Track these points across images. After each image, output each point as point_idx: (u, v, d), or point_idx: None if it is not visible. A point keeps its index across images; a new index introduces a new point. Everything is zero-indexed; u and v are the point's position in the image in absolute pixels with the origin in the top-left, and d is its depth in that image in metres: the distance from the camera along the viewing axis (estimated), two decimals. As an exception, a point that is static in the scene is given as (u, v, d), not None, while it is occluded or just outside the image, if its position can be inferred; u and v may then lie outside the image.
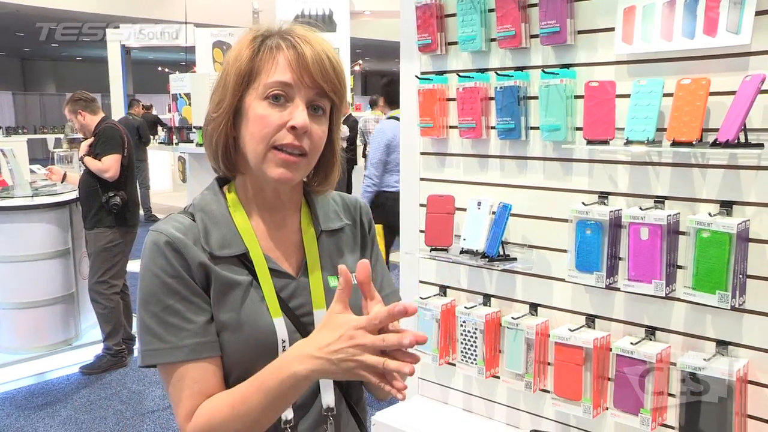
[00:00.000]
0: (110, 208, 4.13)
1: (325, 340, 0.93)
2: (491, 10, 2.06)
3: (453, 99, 2.19)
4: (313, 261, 1.18)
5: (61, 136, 16.28)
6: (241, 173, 1.15)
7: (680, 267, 1.76)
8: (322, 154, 1.15)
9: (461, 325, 2.18)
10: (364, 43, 19.30)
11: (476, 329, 2.14)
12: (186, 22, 15.34)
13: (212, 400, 1.04)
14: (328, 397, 1.16)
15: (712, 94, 1.66)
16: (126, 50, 16.52)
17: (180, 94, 12.27)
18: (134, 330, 4.77)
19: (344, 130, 9.46)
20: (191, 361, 1.04)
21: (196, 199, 1.15)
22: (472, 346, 2.16)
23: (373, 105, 9.06)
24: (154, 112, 14.91)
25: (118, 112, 15.84)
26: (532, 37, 2.01)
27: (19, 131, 17.20)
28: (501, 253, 2.07)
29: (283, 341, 1.09)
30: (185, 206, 1.17)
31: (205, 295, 1.08)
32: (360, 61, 21.52)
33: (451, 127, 2.23)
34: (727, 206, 1.69)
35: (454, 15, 2.15)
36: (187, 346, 1.05)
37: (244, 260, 1.10)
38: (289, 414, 1.11)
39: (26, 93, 25.46)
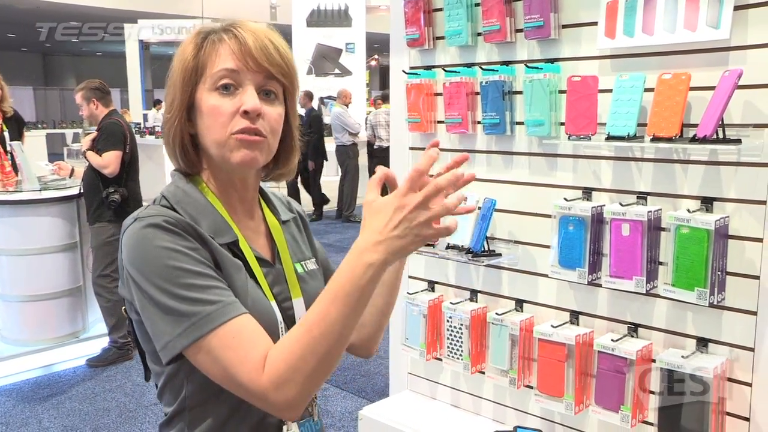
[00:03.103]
0: (108, 203, 4.17)
1: (382, 222, 0.93)
2: (477, 5, 2.05)
3: (441, 94, 2.19)
4: (283, 249, 1.21)
5: (80, 130, 16.48)
6: (204, 169, 1.15)
7: (662, 263, 1.75)
8: (282, 139, 1.15)
9: (447, 321, 2.18)
10: (380, 38, 19.25)
11: (462, 325, 2.14)
12: (203, 17, 15.44)
13: (280, 342, 0.97)
14: None
15: (694, 89, 1.64)
16: (144, 45, 16.66)
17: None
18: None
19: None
20: (242, 315, 1.00)
21: (168, 195, 1.12)
22: (458, 341, 2.16)
23: (385, 99, 9.16)
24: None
25: (136, 105, 16.00)
26: (517, 31, 1.99)
27: (39, 126, 17.39)
28: (486, 248, 2.07)
29: (281, 324, 1.10)
30: (152, 201, 1.14)
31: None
32: (377, 56, 21.49)
33: (438, 122, 2.22)
34: (708, 202, 1.67)
35: (441, 9, 2.15)
36: (236, 301, 1.01)
37: (233, 248, 1.11)
38: None
39: (47, 88, 25.76)
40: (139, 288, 1.01)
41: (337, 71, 14.47)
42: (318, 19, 14.66)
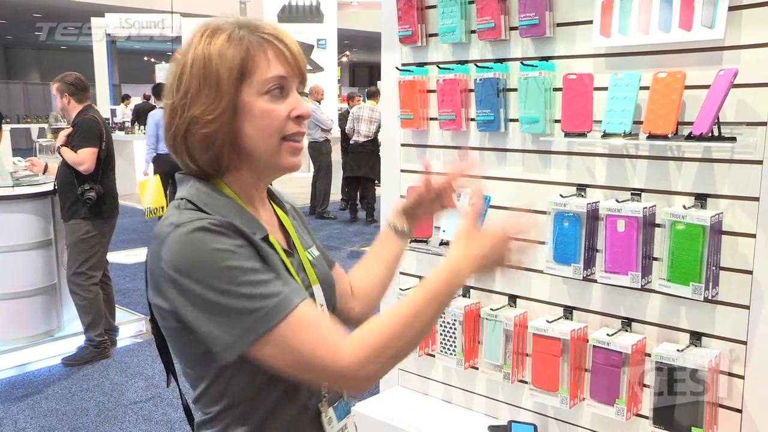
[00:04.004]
0: (84, 201, 4.09)
1: (482, 246, 1.11)
2: (471, 2, 2.06)
3: (433, 91, 2.19)
4: (296, 238, 1.23)
5: (45, 125, 16.12)
6: (237, 168, 1.13)
7: (656, 259, 1.78)
8: None
9: (440, 317, 2.19)
10: (351, 35, 19.24)
11: (455, 320, 2.15)
12: (172, 12, 15.23)
13: (369, 326, 1.05)
14: None
15: (688, 87, 1.67)
16: (111, 40, 16.38)
17: (165, 84, 12.21)
18: (117, 321, 4.74)
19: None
20: (303, 301, 1.02)
21: (192, 198, 1.08)
22: (451, 337, 2.17)
23: (370, 96, 9.15)
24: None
25: (103, 101, 15.73)
26: (512, 29, 2.01)
27: (2, 121, 16.97)
28: (480, 244, 2.08)
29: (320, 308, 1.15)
30: (177, 205, 1.09)
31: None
32: (347, 53, 21.44)
33: (431, 118, 2.23)
34: (701, 199, 1.70)
35: (434, 6, 2.15)
36: (296, 288, 1.05)
37: (265, 242, 1.11)
38: None
39: (9, 81, 25.16)
40: (191, 293, 0.99)
41: (309, 67, 14.39)
42: (289, 14, 14.58)
